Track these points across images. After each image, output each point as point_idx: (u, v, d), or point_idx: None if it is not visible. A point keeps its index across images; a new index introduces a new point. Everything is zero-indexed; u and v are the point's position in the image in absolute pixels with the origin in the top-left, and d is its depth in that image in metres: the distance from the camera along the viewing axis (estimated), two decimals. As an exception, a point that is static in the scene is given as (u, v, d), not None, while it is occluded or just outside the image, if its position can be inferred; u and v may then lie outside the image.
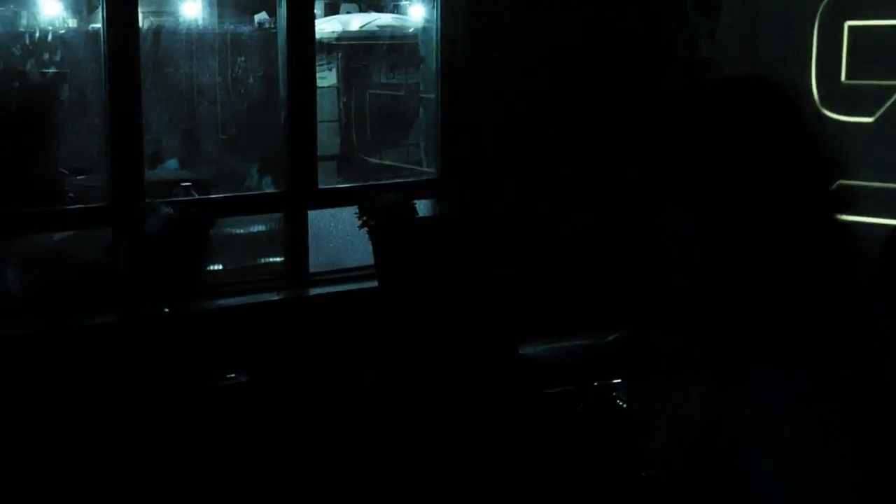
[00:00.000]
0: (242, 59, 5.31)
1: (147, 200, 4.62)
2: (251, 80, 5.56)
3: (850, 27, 4.82)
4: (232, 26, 7.03)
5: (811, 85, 4.89)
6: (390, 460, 4.58)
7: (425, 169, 5.82)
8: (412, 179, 5.70)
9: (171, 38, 5.71)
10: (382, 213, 4.92)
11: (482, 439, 4.19)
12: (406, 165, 6.88)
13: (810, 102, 4.88)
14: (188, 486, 4.31)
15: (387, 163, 7.71)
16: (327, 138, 7.90)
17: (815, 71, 4.91)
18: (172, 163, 6.68)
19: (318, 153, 5.24)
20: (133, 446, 4.27)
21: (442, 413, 4.38)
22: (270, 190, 5.40)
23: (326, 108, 8.13)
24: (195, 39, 5.98)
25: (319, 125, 5.31)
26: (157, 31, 5.68)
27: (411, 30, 7.94)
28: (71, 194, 5.17)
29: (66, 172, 5.23)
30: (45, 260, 4.79)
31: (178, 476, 4.31)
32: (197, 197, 5.30)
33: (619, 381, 4.01)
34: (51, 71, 5.08)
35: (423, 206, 5.26)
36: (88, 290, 4.55)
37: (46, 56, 5.02)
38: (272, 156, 5.28)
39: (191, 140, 6.07)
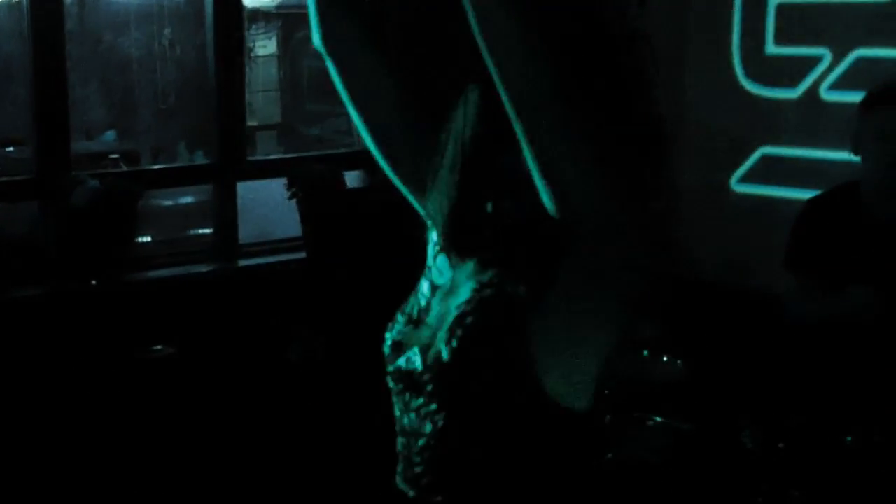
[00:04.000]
0: (168, 30, 5.25)
1: (74, 173, 4.59)
2: (182, 50, 5.51)
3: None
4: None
5: (733, 56, 4.93)
6: (317, 430, 4.61)
7: (356, 139, 5.82)
8: (342, 150, 5.69)
9: (103, 4, 5.63)
10: (311, 183, 4.92)
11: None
12: (343, 136, 6.86)
13: (732, 74, 4.93)
14: (115, 458, 4.31)
15: (326, 133, 7.68)
16: (266, 108, 7.85)
17: (739, 42, 4.94)
18: (110, 134, 6.60)
19: (259, 123, 5.22)
20: (60, 420, 4.27)
21: (366, 382, 4.39)
22: (202, 162, 5.37)
23: (265, 77, 8.07)
24: (129, 5, 5.90)
25: (259, 94, 5.28)
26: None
27: (351, -2, 7.84)
28: (-3, 167, 5.12)
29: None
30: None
31: (105, 449, 4.32)
32: (125, 169, 5.26)
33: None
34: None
35: (352, 178, 5.26)
36: (14, 263, 4.52)
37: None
38: (203, 127, 5.25)
39: (124, 111, 6.00)
